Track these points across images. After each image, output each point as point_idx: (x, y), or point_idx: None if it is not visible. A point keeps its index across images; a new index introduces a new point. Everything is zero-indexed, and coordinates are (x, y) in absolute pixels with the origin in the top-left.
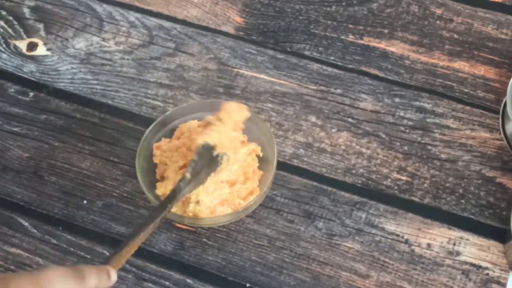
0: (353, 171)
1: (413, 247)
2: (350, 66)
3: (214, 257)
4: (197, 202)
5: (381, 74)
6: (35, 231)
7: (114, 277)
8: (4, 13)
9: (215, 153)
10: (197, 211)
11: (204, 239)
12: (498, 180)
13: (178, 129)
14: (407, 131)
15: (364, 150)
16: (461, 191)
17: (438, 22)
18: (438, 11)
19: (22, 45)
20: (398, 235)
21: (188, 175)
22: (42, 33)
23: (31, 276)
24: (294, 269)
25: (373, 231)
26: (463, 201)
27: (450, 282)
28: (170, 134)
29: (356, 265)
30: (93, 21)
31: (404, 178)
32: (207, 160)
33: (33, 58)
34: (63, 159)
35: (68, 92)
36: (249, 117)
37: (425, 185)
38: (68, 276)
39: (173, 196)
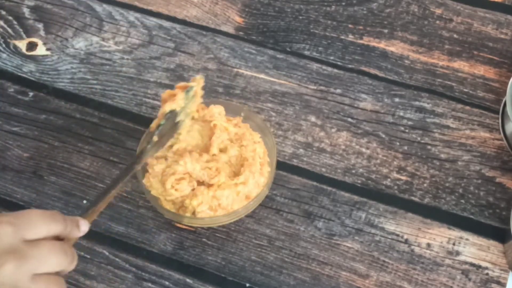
0: (353, 171)
1: (412, 247)
2: (350, 66)
3: (214, 257)
4: (193, 213)
5: (381, 74)
6: None
7: (84, 227)
8: (3, 12)
9: (177, 119)
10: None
11: (204, 239)
12: (498, 180)
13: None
14: (407, 131)
15: (363, 150)
16: (460, 191)
17: (437, 22)
18: (438, 11)
19: (22, 45)
20: (397, 235)
21: (155, 138)
22: (42, 33)
23: (11, 215)
24: (293, 269)
25: (373, 231)
26: (463, 201)
27: (450, 282)
28: None
29: (356, 265)
30: (93, 21)
31: (403, 178)
32: (171, 125)
33: (33, 58)
34: (63, 159)
35: (68, 92)
36: (249, 117)
37: (425, 185)
38: (45, 217)
39: (139, 157)
